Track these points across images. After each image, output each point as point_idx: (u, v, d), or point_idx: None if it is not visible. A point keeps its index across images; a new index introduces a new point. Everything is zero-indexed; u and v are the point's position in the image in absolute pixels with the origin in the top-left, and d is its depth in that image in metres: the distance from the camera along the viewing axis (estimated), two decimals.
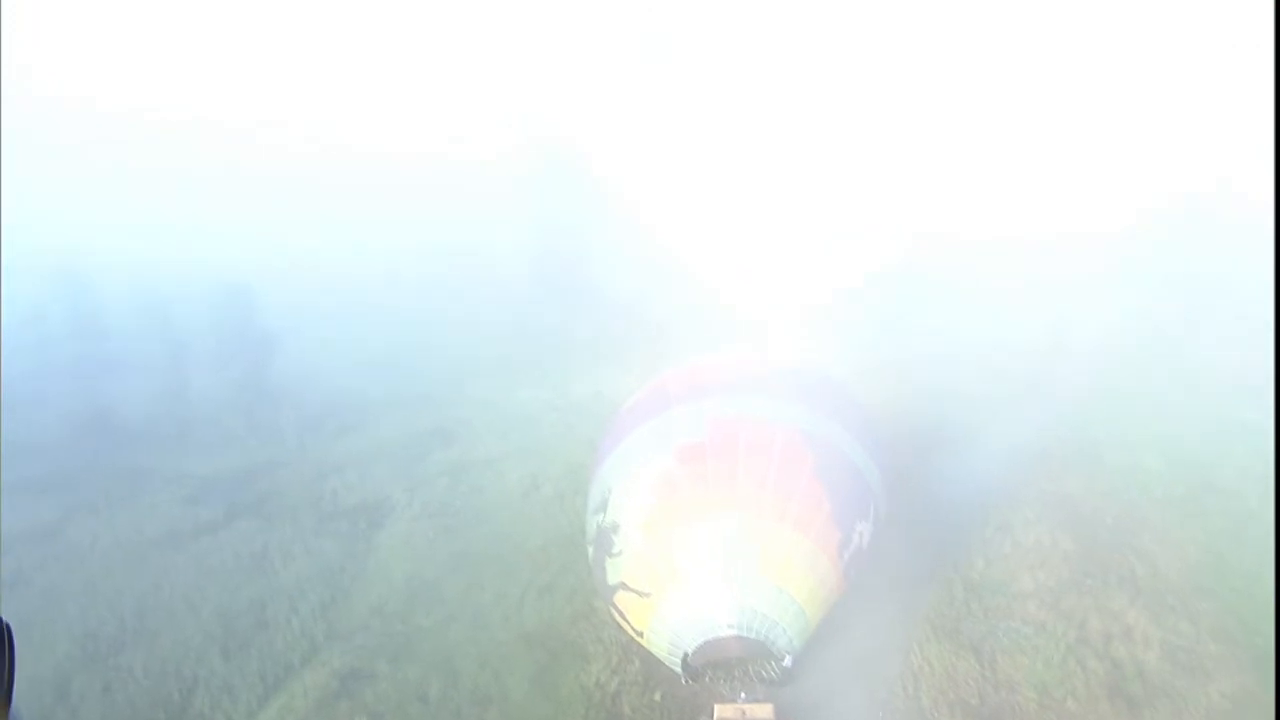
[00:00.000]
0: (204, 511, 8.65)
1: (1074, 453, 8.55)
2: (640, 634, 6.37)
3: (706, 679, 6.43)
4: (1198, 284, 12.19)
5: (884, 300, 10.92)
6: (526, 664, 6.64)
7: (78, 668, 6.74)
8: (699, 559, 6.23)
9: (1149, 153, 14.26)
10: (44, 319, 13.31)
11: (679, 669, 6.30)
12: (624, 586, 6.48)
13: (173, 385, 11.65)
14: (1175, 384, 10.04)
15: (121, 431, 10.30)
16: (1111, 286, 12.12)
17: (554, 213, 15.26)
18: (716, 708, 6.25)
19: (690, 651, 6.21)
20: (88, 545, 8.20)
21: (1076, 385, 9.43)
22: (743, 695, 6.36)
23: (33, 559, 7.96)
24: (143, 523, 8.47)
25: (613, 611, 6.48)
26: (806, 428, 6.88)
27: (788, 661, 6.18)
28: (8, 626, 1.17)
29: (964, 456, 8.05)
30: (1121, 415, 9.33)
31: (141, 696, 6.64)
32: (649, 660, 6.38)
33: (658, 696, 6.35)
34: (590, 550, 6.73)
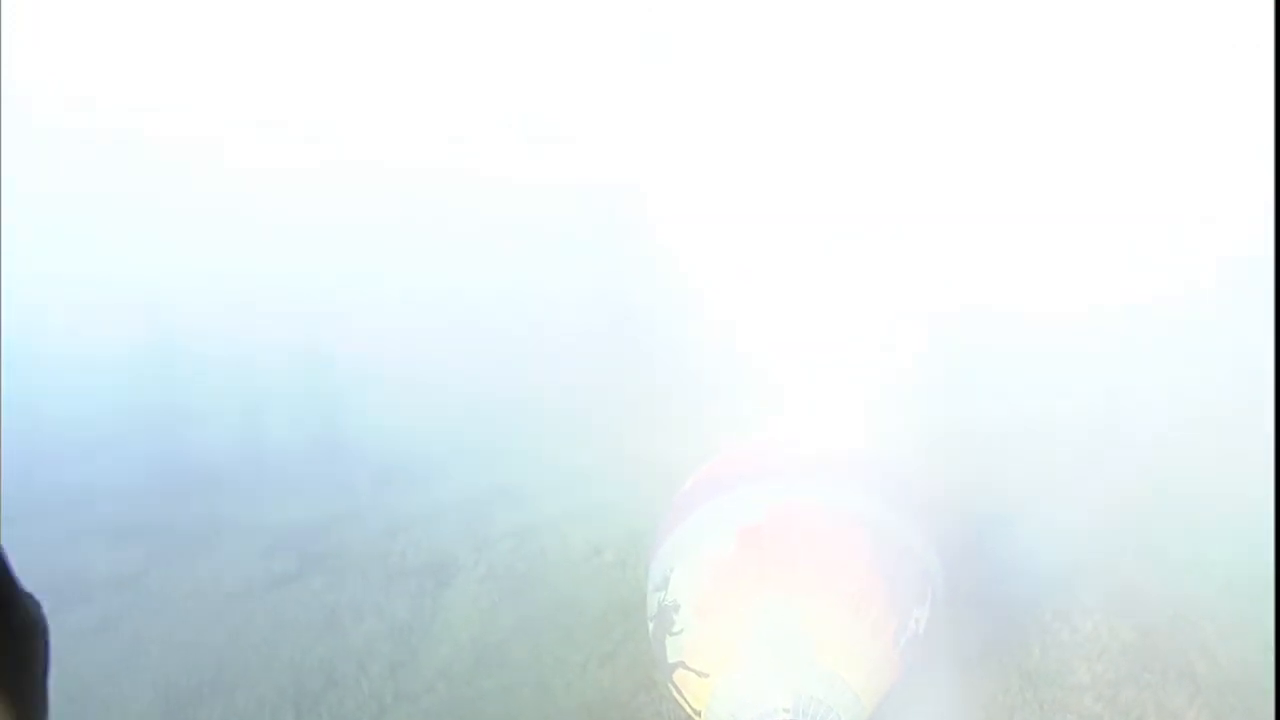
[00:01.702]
0: (278, 564, 9.00)
1: (1133, 538, 8.52)
2: (698, 713, 6.53)
3: None
4: (1255, 357, 12.12)
5: (933, 377, 11.04)
6: None
7: (158, 718, 7.09)
8: (756, 642, 6.38)
9: (1198, 218, 14.20)
10: (120, 361, 14.00)
11: None
12: (683, 665, 6.65)
13: (248, 432, 12.17)
14: (1238, 465, 9.96)
15: (198, 478, 10.77)
16: (1168, 360, 12.10)
17: (604, 255, 15.56)
18: None
19: None
20: (169, 594, 8.60)
21: (1136, 467, 9.41)
22: None
23: (117, 606, 8.36)
24: (221, 573, 8.85)
25: (671, 688, 6.66)
26: (863, 510, 7.03)
27: None
28: (39, 610, 0.99)
29: (1019, 539, 8.09)
30: (1182, 498, 9.28)
31: None
32: None
33: None
34: (651, 626, 6.92)
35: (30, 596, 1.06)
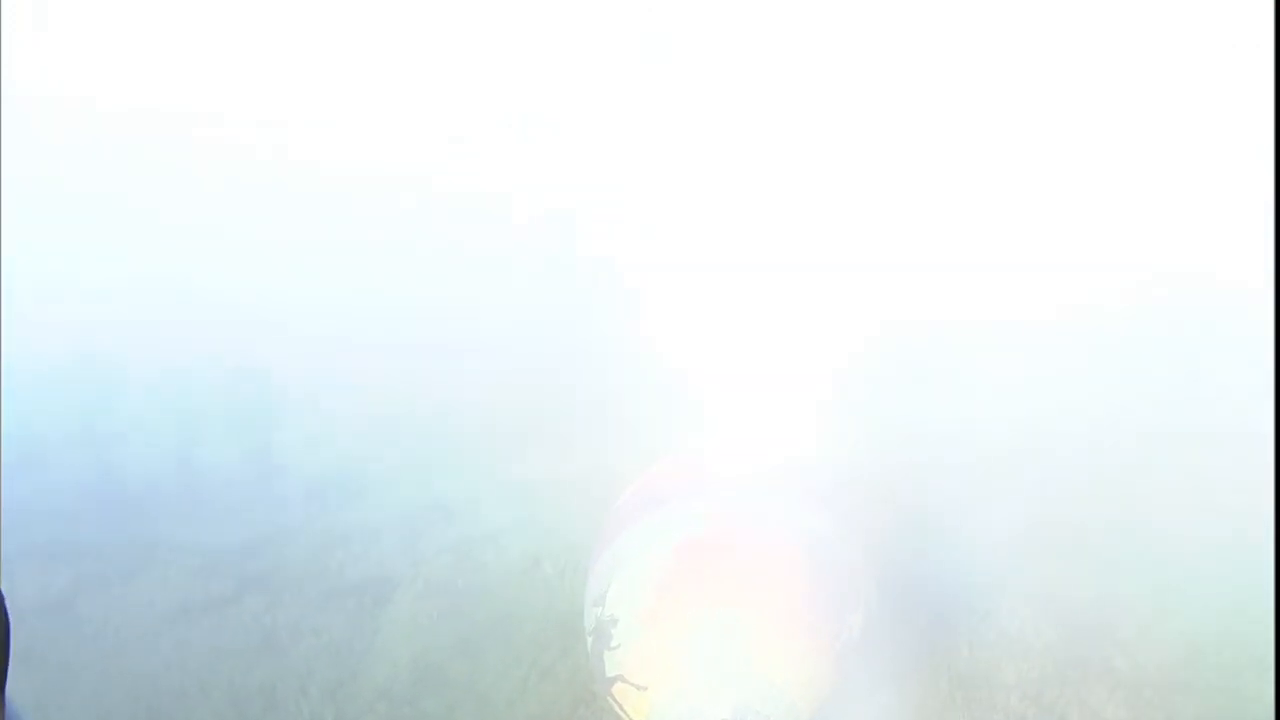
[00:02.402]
0: (213, 586, 8.82)
1: (1056, 541, 8.83)
2: None
3: None
4: (1189, 369, 12.59)
5: (865, 387, 11.27)
6: None
7: None
8: (694, 655, 6.48)
9: (1140, 230, 14.63)
10: (44, 375, 13.51)
11: None
12: (622, 679, 6.71)
13: (179, 448, 11.86)
14: (1159, 469, 10.37)
15: (128, 497, 10.49)
16: (1096, 368, 12.52)
17: (543, 266, 15.53)
18: None
19: None
20: (100, 620, 8.37)
21: (1059, 473, 9.74)
22: None
23: (45, 633, 8.12)
24: (154, 597, 8.64)
25: (611, 702, 6.72)
26: (798, 520, 7.18)
27: None
28: (2, 601, 0.96)
29: (948, 545, 8.32)
30: (1103, 501, 9.64)
31: None
32: None
33: None
34: (590, 640, 6.98)
35: None
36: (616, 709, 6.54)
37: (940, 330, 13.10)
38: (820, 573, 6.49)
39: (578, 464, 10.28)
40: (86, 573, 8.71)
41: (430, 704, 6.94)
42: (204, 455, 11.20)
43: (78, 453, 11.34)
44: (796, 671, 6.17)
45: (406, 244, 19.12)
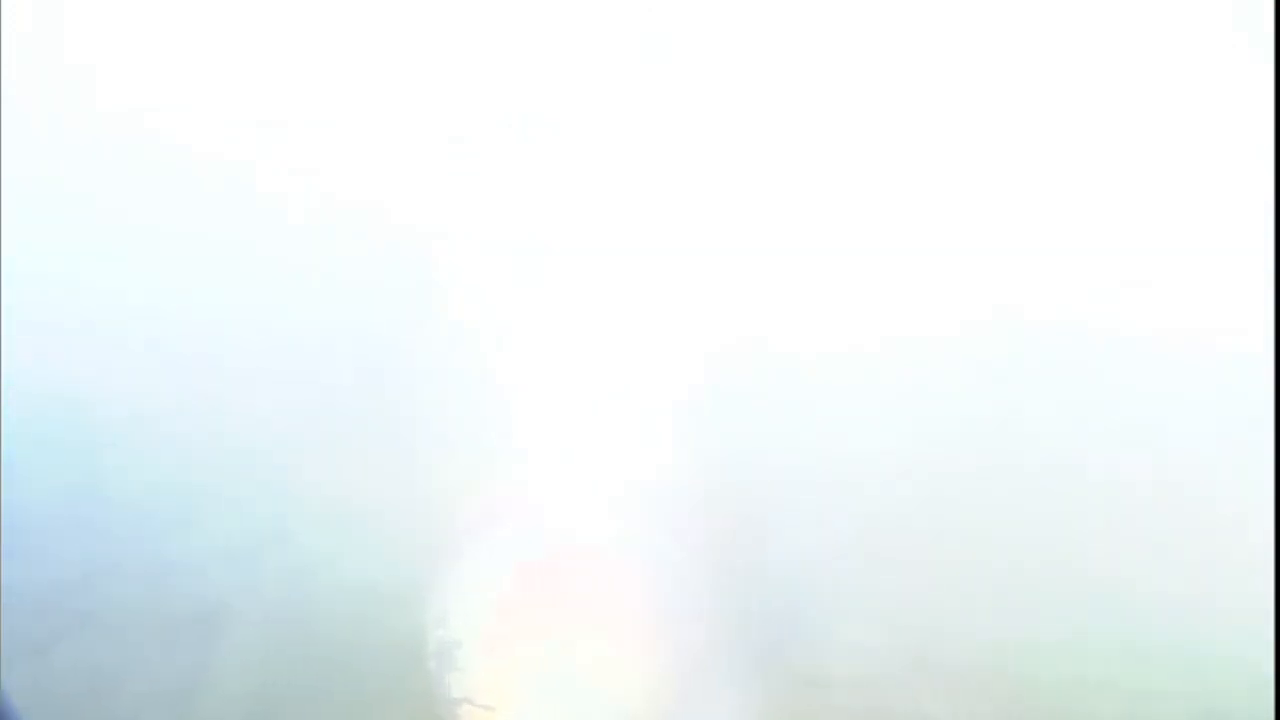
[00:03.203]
0: (37, 628, 8.22)
1: (886, 552, 9.40)
2: None
3: None
4: (1015, 398, 13.51)
5: (710, 411, 11.60)
6: None
7: None
8: (539, 673, 6.55)
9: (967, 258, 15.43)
10: None
11: None
12: (468, 701, 6.70)
13: None
14: (987, 489, 11.17)
15: None
16: (931, 393, 13.31)
17: (376, 291, 15.11)
18: None
19: None
20: None
21: (891, 490, 10.36)
22: None
23: None
24: None
25: None
26: (639, 535, 7.37)
27: None
28: None
29: (786, 553, 8.72)
30: (928, 517, 10.32)
31: None
32: None
33: None
34: (433, 663, 6.92)
35: None
36: None
37: (783, 353, 13.60)
38: (661, 587, 6.70)
39: (414, 484, 10.08)
40: None
41: None
42: (21, 490, 10.39)
43: None
44: (640, 684, 6.33)
45: (241, 261, 18.28)
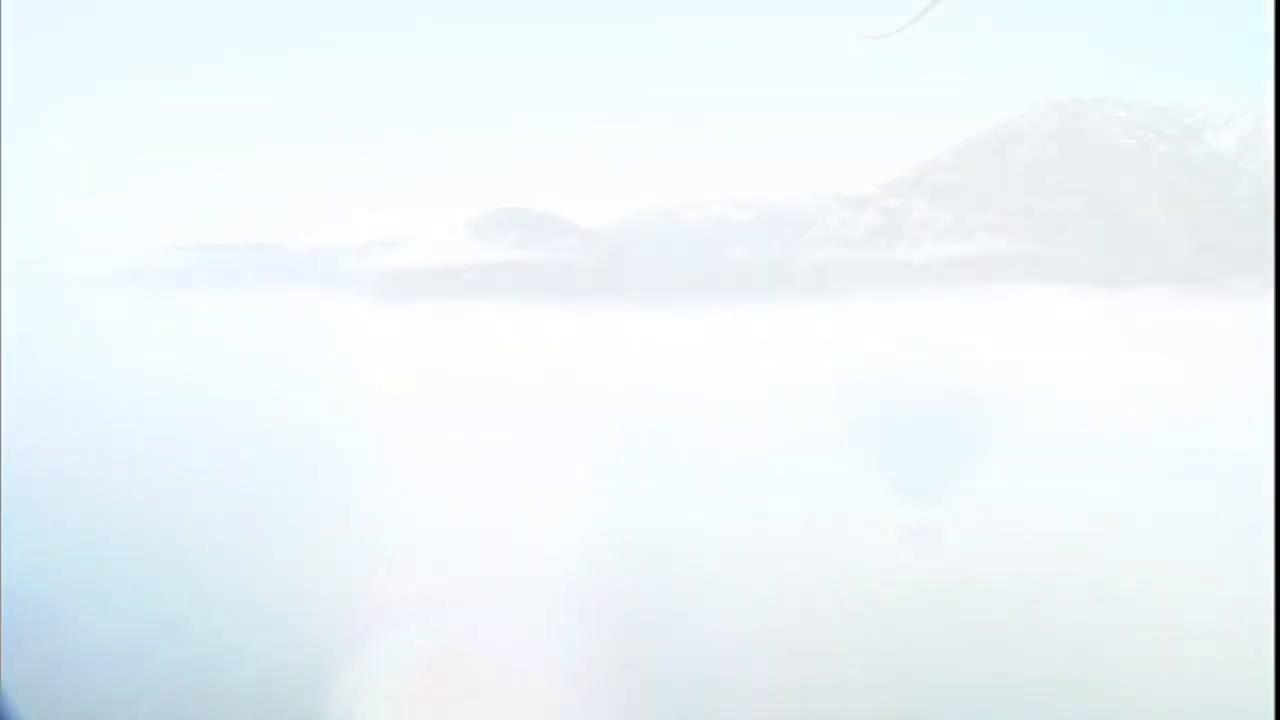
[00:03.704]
0: None
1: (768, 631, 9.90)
2: None
3: None
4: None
5: (604, 491, 11.90)
6: None
7: None
8: None
9: None
10: None
11: None
12: None
13: None
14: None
15: None
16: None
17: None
18: None
19: None
20: None
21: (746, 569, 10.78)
22: None
23: None
24: None
25: None
26: (537, 624, 7.61)
27: None
28: None
29: (663, 638, 8.98)
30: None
31: None
32: None
33: None
34: None
35: None
36: None
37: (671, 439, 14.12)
38: (560, 676, 7.05)
39: (317, 580, 10.09)
40: None
41: None
42: None
43: None
44: None
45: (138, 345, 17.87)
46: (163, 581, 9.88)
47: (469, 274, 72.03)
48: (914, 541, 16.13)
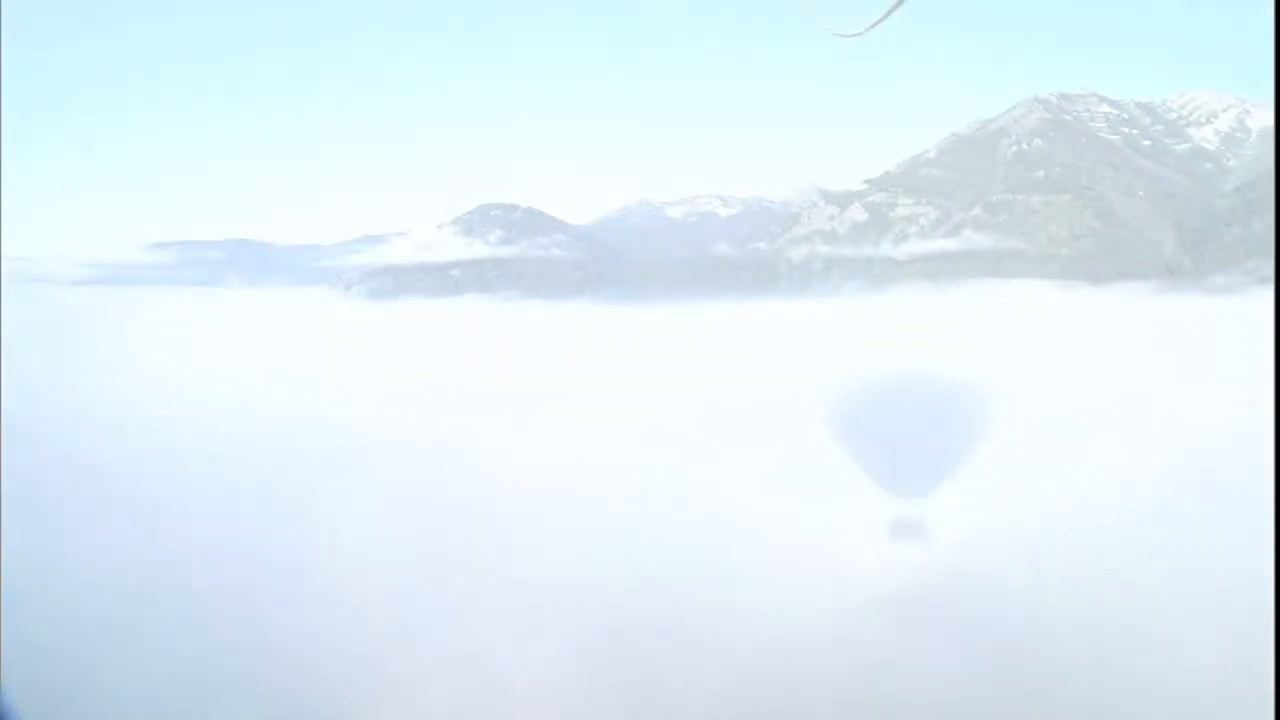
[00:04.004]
0: None
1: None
2: None
3: None
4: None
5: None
6: None
7: None
8: None
9: None
10: None
11: None
12: None
13: None
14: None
15: None
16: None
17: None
18: None
19: None
20: None
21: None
22: None
23: None
24: None
25: None
26: None
27: None
28: None
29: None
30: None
31: None
32: None
33: None
34: None
35: None
36: None
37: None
38: (535, 677, 6.92)
39: (300, 577, 9.73)
40: None
41: None
42: None
43: None
44: None
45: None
46: (147, 582, 9.71)
47: (455, 270, 72.09)
48: (901, 537, 16.15)
